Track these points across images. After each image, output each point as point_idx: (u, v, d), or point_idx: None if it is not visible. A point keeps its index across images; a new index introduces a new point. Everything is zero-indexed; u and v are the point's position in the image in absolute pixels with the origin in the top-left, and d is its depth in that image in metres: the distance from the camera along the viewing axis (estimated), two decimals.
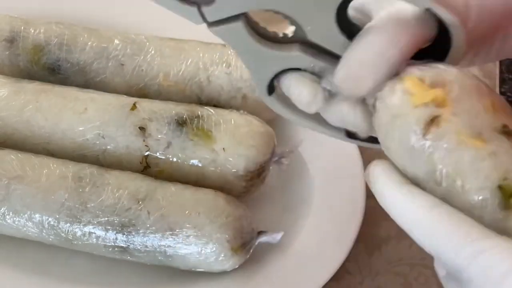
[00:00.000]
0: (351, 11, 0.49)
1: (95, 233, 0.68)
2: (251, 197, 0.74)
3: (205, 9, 0.49)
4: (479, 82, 0.48)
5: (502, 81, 0.92)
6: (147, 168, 0.72)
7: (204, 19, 0.49)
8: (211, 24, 0.49)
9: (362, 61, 0.48)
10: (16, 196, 0.69)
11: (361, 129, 0.51)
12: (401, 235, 0.77)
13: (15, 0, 0.87)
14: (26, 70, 0.80)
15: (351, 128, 0.52)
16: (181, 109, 0.73)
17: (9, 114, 0.74)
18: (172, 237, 0.67)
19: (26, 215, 0.68)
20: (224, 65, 0.77)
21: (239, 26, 0.49)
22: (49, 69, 0.79)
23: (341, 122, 0.52)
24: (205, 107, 0.74)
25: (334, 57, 0.50)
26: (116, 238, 0.68)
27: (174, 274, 0.70)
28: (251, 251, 0.70)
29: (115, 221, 0.68)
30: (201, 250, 0.68)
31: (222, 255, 0.68)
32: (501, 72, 0.93)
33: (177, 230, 0.67)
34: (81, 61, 0.79)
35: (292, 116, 0.54)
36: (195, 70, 0.78)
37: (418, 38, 0.48)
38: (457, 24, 0.48)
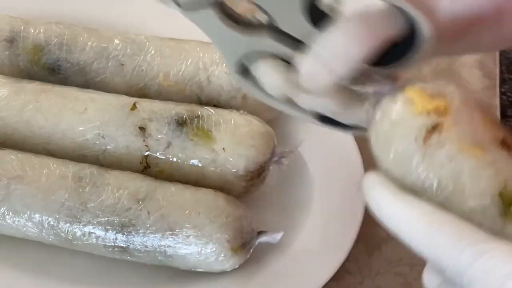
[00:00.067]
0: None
1: (95, 233, 0.68)
2: (251, 197, 0.74)
3: None
4: (477, 99, 0.48)
5: (502, 81, 0.92)
6: (147, 168, 0.72)
7: (176, 3, 0.50)
8: (183, 9, 0.50)
9: (322, 58, 0.48)
10: (16, 196, 0.69)
11: (331, 112, 0.51)
12: None
13: (15, 0, 0.87)
14: (26, 70, 0.80)
15: (321, 111, 0.52)
16: (181, 109, 0.73)
17: (9, 114, 0.74)
18: (172, 237, 0.67)
19: (26, 215, 0.68)
20: (224, 65, 0.77)
21: (210, 12, 0.50)
22: (49, 69, 0.79)
23: (311, 107, 0.52)
24: (205, 107, 0.74)
25: (304, 45, 0.50)
26: (116, 238, 0.68)
27: (174, 274, 0.70)
28: (251, 251, 0.70)
29: (115, 221, 0.68)
30: (201, 250, 0.68)
31: (222, 255, 0.68)
32: (501, 72, 0.93)
33: (177, 230, 0.67)
34: (81, 61, 0.79)
35: (265, 99, 0.54)
36: (195, 70, 0.78)
37: (384, 35, 0.47)
38: (424, 20, 0.48)
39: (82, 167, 0.70)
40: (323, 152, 0.78)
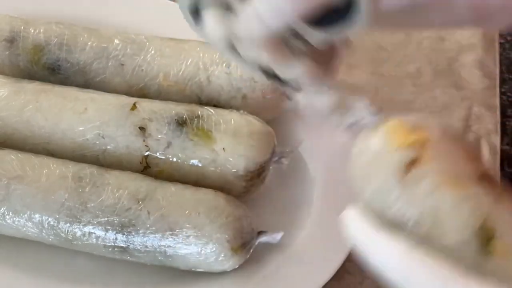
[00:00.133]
0: None
1: (95, 233, 0.68)
2: (251, 197, 0.74)
3: None
4: (456, 133, 0.49)
5: (502, 81, 0.92)
6: (147, 168, 0.72)
7: None
8: None
9: (257, 10, 0.48)
10: (16, 196, 0.69)
11: (267, 65, 0.51)
12: None
13: (15, 0, 0.87)
14: (26, 70, 0.80)
15: (259, 63, 0.52)
16: (181, 109, 0.73)
17: (9, 114, 0.74)
18: (172, 237, 0.67)
19: (26, 215, 0.68)
20: (224, 65, 0.77)
21: None
22: (49, 69, 0.79)
23: (251, 57, 0.52)
24: (205, 107, 0.74)
25: None
26: (116, 238, 0.68)
27: (174, 274, 0.70)
28: (251, 251, 0.70)
29: (115, 221, 0.68)
30: (201, 250, 0.68)
31: (222, 255, 0.68)
32: (501, 72, 0.93)
33: (177, 230, 0.67)
34: (81, 61, 0.79)
35: (213, 44, 0.54)
36: (195, 70, 0.78)
37: None
38: None
39: (82, 167, 0.70)
40: (323, 152, 0.78)
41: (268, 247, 0.71)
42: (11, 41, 0.80)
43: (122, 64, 0.79)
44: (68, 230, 0.68)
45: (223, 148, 0.71)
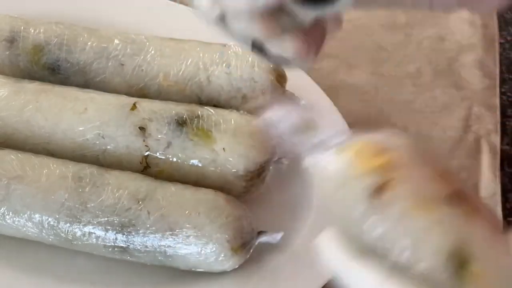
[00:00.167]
0: None
1: (95, 233, 0.68)
2: (251, 197, 0.74)
3: None
4: (425, 150, 0.47)
5: (502, 81, 0.92)
6: (147, 168, 0.72)
7: None
8: None
9: None
10: (16, 196, 0.69)
11: (254, 39, 0.51)
12: None
13: (15, 0, 0.87)
14: (26, 70, 0.80)
15: (247, 36, 0.52)
16: (181, 109, 0.73)
17: (9, 114, 0.74)
18: (172, 237, 0.67)
19: (26, 215, 0.68)
20: (224, 65, 0.77)
21: None
22: (49, 69, 0.79)
23: (239, 30, 0.52)
24: (205, 107, 0.74)
25: None
26: (116, 238, 0.68)
27: (174, 274, 0.70)
28: (251, 251, 0.70)
29: (115, 221, 0.68)
30: (201, 250, 0.68)
31: (222, 255, 0.68)
32: (501, 72, 0.93)
33: (177, 230, 0.67)
34: (81, 61, 0.79)
35: (202, 17, 0.54)
36: (195, 70, 0.78)
37: None
38: None
39: (82, 167, 0.70)
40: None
41: (268, 247, 0.71)
42: (11, 41, 0.80)
43: (122, 64, 0.79)
44: (68, 230, 0.68)
45: (223, 148, 0.71)
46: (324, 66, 0.89)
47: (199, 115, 0.73)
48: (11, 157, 0.70)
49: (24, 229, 0.69)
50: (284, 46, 0.52)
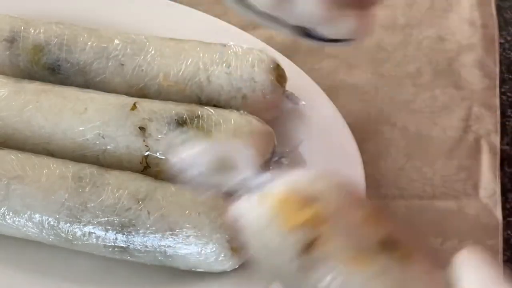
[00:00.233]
0: None
1: (95, 233, 0.68)
2: None
3: None
4: (350, 190, 0.45)
5: (502, 81, 0.92)
6: (147, 168, 0.72)
7: None
8: None
9: None
10: (16, 196, 0.69)
11: (316, 23, 0.51)
12: None
13: (15, 0, 0.87)
14: (26, 70, 0.80)
15: (308, 25, 0.51)
16: (181, 109, 0.73)
17: (9, 114, 0.74)
18: (172, 237, 0.67)
19: (26, 215, 0.68)
20: (224, 65, 0.77)
21: None
22: (49, 69, 0.79)
23: (297, 20, 0.51)
24: (205, 107, 0.74)
25: None
26: (116, 238, 0.68)
27: (174, 274, 0.70)
28: None
29: (115, 221, 0.68)
30: (201, 250, 0.68)
31: (222, 255, 0.68)
32: (501, 72, 0.93)
33: (177, 230, 0.67)
34: (81, 61, 0.79)
35: (252, 16, 0.53)
36: (195, 70, 0.78)
37: None
38: None
39: (82, 167, 0.70)
40: (323, 152, 0.78)
41: None
42: (11, 41, 0.80)
43: (122, 64, 0.79)
44: (68, 230, 0.68)
45: None
46: (324, 66, 0.89)
47: (199, 115, 0.73)
48: (11, 157, 0.70)
49: (24, 229, 0.69)
50: (341, 28, 0.50)
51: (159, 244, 0.68)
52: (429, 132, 0.86)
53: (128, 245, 0.68)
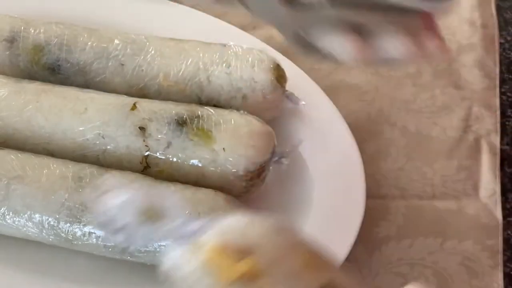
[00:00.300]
0: None
1: (95, 233, 0.68)
2: (251, 197, 0.74)
3: None
4: (288, 235, 0.43)
5: (502, 81, 0.92)
6: (147, 168, 0.72)
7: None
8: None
9: None
10: (16, 196, 0.69)
11: None
12: (401, 235, 0.77)
13: (15, 0, 0.87)
14: (26, 70, 0.80)
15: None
16: (181, 109, 0.73)
17: (9, 114, 0.74)
18: None
19: (26, 215, 0.68)
20: (224, 65, 0.77)
21: None
22: (49, 69, 0.79)
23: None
24: (205, 107, 0.74)
25: None
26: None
27: None
28: None
29: None
30: None
31: None
32: (501, 72, 0.93)
33: None
34: (81, 61, 0.79)
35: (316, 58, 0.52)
36: (195, 70, 0.78)
37: None
38: None
39: (82, 167, 0.70)
40: (323, 152, 0.78)
41: None
42: (11, 41, 0.80)
43: (122, 64, 0.79)
44: (68, 230, 0.68)
45: (223, 148, 0.71)
46: (324, 66, 0.89)
47: (199, 115, 0.73)
48: (11, 157, 0.70)
49: (24, 229, 0.69)
50: (392, 46, 0.49)
51: (159, 244, 0.68)
52: (429, 132, 0.86)
53: (128, 245, 0.68)
